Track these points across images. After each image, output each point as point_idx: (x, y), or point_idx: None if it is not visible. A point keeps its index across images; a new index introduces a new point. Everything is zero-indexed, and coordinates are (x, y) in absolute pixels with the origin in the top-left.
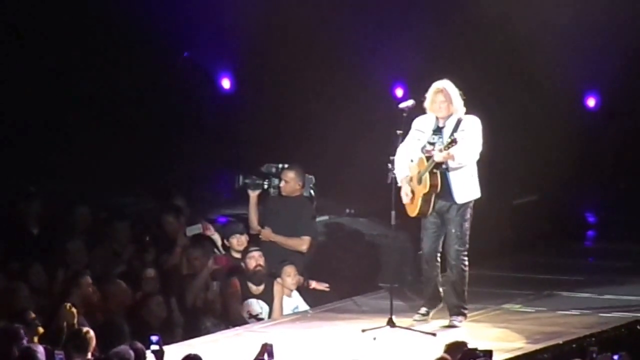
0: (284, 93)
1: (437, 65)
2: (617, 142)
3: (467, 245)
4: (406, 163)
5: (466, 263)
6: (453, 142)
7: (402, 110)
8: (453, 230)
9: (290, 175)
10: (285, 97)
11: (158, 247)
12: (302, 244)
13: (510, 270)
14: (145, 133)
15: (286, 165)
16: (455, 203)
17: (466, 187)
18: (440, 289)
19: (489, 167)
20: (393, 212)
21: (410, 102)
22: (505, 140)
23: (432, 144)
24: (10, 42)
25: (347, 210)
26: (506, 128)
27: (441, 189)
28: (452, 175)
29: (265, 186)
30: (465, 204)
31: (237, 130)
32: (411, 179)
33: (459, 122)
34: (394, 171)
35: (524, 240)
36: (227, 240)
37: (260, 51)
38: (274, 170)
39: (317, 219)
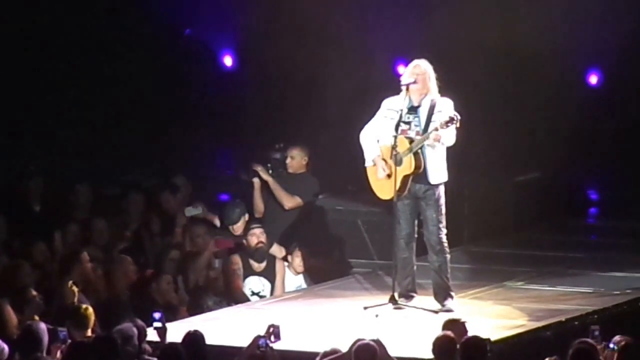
0: (286, 70)
1: (438, 43)
2: (620, 119)
3: (445, 229)
4: (375, 142)
5: (447, 246)
6: (452, 120)
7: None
8: (434, 215)
9: (294, 151)
10: (286, 75)
11: (161, 222)
12: (290, 201)
13: (512, 247)
14: (147, 111)
15: (282, 145)
16: (430, 185)
17: (440, 169)
18: (415, 282)
19: (491, 144)
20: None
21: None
22: (508, 118)
23: (408, 123)
24: (12, 19)
25: (349, 188)
26: (508, 105)
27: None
28: (428, 156)
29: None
30: (439, 186)
31: (239, 108)
32: (384, 160)
33: (433, 103)
34: (364, 151)
35: (526, 217)
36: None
37: (262, 28)
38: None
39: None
